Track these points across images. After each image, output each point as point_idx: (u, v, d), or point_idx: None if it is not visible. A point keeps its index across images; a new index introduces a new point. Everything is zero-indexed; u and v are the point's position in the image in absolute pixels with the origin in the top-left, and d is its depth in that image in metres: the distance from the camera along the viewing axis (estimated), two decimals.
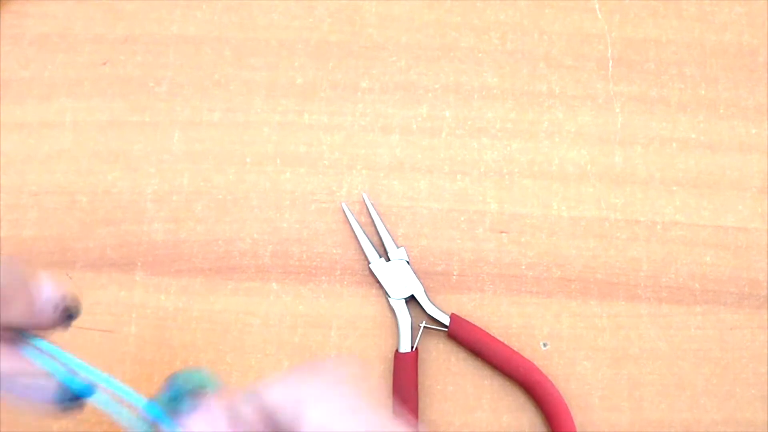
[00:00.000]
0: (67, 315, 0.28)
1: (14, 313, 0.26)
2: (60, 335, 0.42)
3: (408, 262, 0.43)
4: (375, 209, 0.44)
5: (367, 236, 0.43)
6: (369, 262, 0.43)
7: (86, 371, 0.27)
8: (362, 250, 0.43)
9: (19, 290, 0.26)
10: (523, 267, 0.43)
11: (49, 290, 0.27)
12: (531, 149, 0.45)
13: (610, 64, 0.47)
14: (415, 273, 0.42)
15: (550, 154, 0.45)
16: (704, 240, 0.44)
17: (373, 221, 0.44)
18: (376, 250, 0.43)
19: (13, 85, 0.47)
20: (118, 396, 0.26)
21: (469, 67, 0.47)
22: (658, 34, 0.48)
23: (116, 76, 0.47)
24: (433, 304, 0.42)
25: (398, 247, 0.43)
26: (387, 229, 0.43)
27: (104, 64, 0.47)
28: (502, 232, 0.44)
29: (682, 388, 0.42)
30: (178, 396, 0.25)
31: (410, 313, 0.42)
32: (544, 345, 0.42)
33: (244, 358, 0.42)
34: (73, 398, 0.26)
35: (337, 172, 0.45)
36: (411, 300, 0.42)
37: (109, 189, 0.45)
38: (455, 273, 0.43)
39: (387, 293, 0.42)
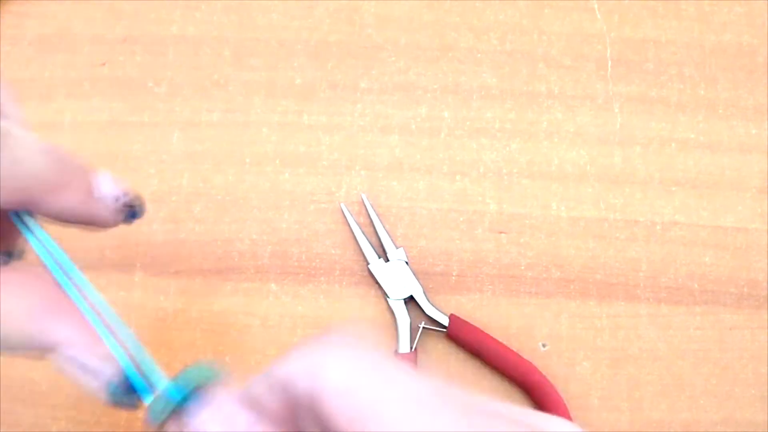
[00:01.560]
0: (131, 210, 0.26)
1: (68, 199, 0.24)
2: None
3: (407, 263, 0.42)
4: (374, 210, 0.44)
5: (366, 237, 0.43)
6: (368, 263, 0.43)
7: (151, 368, 0.24)
8: (361, 250, 0.43)
9: (71, 174, 0.24)
10: (522, 267, 0.43)
11: (108, 183, 0.25)
12: (530, 149, 0.45)
13: (609, 65, 0.47)
14: (414, 273, 0.42)
15: (549, 155, 0.45)
16: (703, 240, 0.44)
17: (372, 222, 0.44)
18: (375, 251, 0.43)
19: (13, 85, 0.47)
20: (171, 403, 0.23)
21: (468, 68, 0.47)
22: (657, 35, 0.48)
23: (115, 76, 0.47)
24: (432, 305, 0.42)
25: (397, 248, 0.43)
26: (386, 230, 0.43)
27: (103, 64, 0.47)
28: (501, 232, 0.44)
29: (681, 389, 0.41)
30: (184, 396, 0.23)
31: (409, 314, 0.42)
32: (544, 346, 0.42)
33: (244, 359, 0.42)
34: (130, 395, 0.24)
35: (336, 173, 0.45)
36: (410, 300, 0.42)
37: None
38: (454, 273, 0.43)
39: (386, 294, 0.42)
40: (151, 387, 0.24)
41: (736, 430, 0.41)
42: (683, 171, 0.45)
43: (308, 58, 0.47)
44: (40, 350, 0.23)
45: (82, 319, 0.24)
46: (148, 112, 0.46)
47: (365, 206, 0.44)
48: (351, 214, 0.44)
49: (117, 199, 0.26)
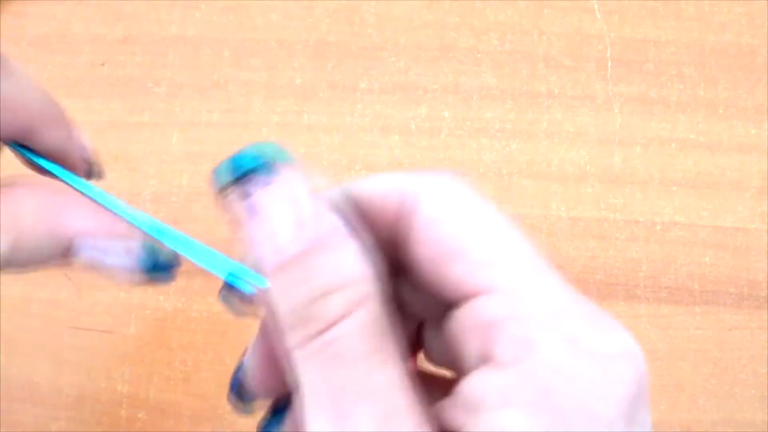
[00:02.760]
0: (89, 167, 0.27)
1: (59, 135, 0.25)
2: (58, 336, 0.42)
3: None
4: None
5: None
6: None
7: (171, 237, 0.24)
8: None
9: (61, 114, 0.25)
10: None
11: (80, 136, 0.26)
12: (530, 150, 0.45)
13: (609, 65, 0.47)
14: None
15: (549, 155, 0.45)
16: (703, 240, 0.44)
17: None
18: None
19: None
20: (199, 262, 0.23)
21: (468, 68, 0.47)
22: (657, 35, 0.48)
23: (115, 76, 0.47)
24: None
25: None
26: None
27: (103, 64, 0.47)
28: None
29: (681, 389, 0.41)
30: (246, 174, 0.21)
31: None
32: None
33: None
34: (161, 266, 0.24)
35: (335, 173, 0.45)
36: None
37: (108, 189, 0.45)
38: None
39: None
40: (177, 256, 0.23)
41: (736, 430, 0.41)
42: (683, 171, 0.45)
43: (308, 58, 0.47)
44: (59, 249, 0.23)
45: (94, 209, 0.24)
46: (147, 113, 0.46)
47: None
48: None
49: (83, 150, 0.26)
